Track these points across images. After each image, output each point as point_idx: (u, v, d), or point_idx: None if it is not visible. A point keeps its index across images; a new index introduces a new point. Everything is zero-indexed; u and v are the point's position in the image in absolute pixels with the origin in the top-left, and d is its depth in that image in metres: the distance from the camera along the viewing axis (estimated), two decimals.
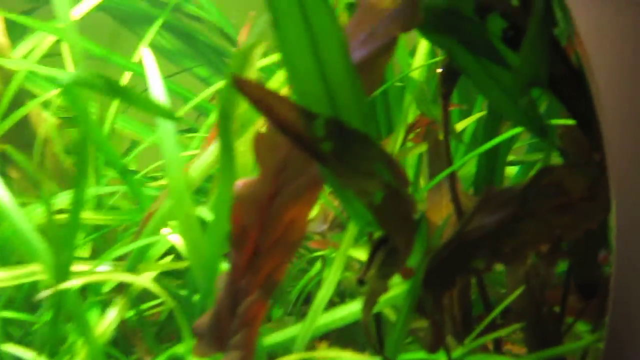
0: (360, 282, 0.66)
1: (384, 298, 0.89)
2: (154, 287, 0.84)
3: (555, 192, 0.58)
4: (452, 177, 0.93)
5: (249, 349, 0.66)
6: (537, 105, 0.60)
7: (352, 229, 0.77)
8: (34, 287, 1.13)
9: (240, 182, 0.64)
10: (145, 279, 0.97)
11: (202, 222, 0.81)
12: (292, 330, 0.84)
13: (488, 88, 0.61)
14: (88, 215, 1.16)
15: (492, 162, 1.17)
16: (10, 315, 0.97)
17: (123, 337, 1.26)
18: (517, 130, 0.99)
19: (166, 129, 0.81)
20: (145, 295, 1.22)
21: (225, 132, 0.64)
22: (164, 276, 1.28)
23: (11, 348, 0.87)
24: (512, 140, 1.16)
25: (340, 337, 1.22)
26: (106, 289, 1.04)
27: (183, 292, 1.07)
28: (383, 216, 0.52)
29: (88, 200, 1.29)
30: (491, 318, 0.82)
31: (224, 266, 0.81)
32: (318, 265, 1.24)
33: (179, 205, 0.79)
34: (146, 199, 1.08)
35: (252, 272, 0.64)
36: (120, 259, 1.00)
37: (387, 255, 0.61)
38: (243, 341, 0.66)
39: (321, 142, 0.49)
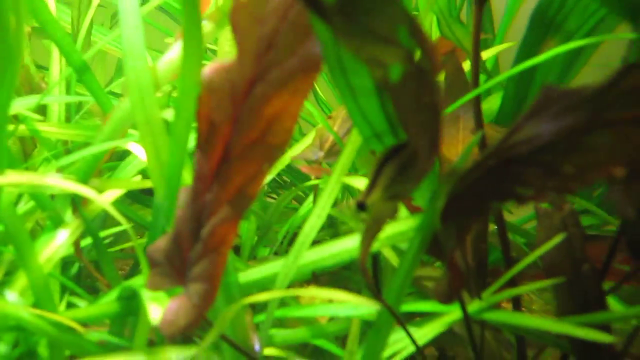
0: (360, 206, 0.51)
1: (383, 235, 0.74)
2: (110, 209, 0.69)
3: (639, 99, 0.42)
4: (477, 103, 0.77)
5: (214, 281, 0.51)
6: None
7: (350, 148, 0.62)
8: None
9: (210, 66, 0.48)
10: (102, 198, 0.82)
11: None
12: (272, 267, 0.69)
13: None
14: (47, 128, 1.01)
15: (522, 94, 1.01)
16: None
17: (85, 268, 1.13)
18: (557, 50, 0.82)
19: (126, 7, 0.64)
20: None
21: None
22: (133, 201, 1.14)
23: None
24: (550, 69, 0.99)
25: (331, 282, 1.08)
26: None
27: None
28: (401, 100, 0.36)
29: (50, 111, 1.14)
30: (517, 270, 0.68)
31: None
32: (311, 199, 1.10)
33: (140, 105, 0.63)
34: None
35: (220, 182, 0.49)
36: None
37: (398, 171, 0.46)
38: (207, 271, 0.51)
39: None
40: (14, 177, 0.62)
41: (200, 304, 0.52)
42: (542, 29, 0.92)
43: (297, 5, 0.45)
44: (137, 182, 0.81)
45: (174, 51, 0.70)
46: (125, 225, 0.63)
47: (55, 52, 1.18)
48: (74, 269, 1.09)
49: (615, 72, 0.42)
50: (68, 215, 0.84)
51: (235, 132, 0.47)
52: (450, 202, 0.47)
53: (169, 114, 0.65)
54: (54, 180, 0.64)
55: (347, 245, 0.67)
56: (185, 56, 0.51)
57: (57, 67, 1.22)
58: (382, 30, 0.33)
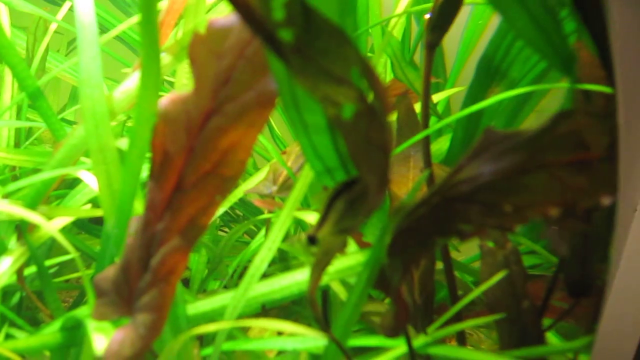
0: (311, 239, 0.52)
1: (332, 269, 0.75)
2: (59, 236, 0.68)
3: (573, 144, 0.45)
4: (427, 143, 0.80)
5: (162, 311, 0.51)
6: (563, 32, 0.47)
7: (302, 182, 0.63)
8: None
9: (167, 97, 0.49)
10: (50, 225, 0.81)
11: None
12: (221, 300, 0.69)
13: (512, 11, 0.48)
14: None
15: (469, 136, 1.05)
16: None
17: (27, 299, 1.09)
18: (501, 96, 0.87)
19: (85, 38, 0.65)
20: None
21: (149, 21, 0.48)
22: (81, 230, 1.12)
23: None
24: (496, 114, 1.04)
25: (280, 316, 1.08)
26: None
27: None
28: (352, 138, 0.38)
29: None
30: (460, 306, 0.70)
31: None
32: (262, 233, 1.10)
33: (94, 133, 0.63)
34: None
35: (172, 212, 0.49)
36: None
37: (348, 206, 0.47)
38: (155, 301, 0.51)
39: (280, 27, 0.35)
40: None
41: (146, 334, 0.51)
42: (488, 76, 0.97)
43: (254, 43, 0.46)
44: (86, 211, 0.80)
45: (131, 81, 0.70)
46: (72, 254, 0.62)
47: (8, 77, 1.17)
48: (15, 299, 1.06)
49: (549, 118, 0.45)
50: (12, 242, 0.82)
51: (189, 163, 0.48)
52: (397, 237, 0.49)
53: (122, 143, 0.65)
54: (1, 205, 0.63)
55: (297, 279, 0.68)
56: (143, 86, 0.52)
57: (8, 92, 1.21)
58: (336, 71, 0.35)
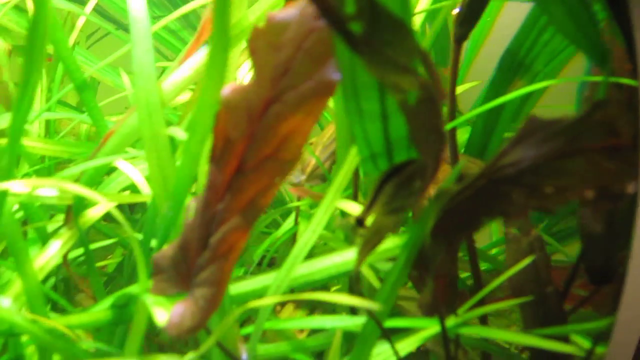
0: (359, 222, 0.56)
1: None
2: (116, 213, 0.71)
3: (607, 131, 0.48)
4: (453, 135, 0.84)
5: (221, 286, 0.55)
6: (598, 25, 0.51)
7: (347, 168, 0.67)
8: None
9: (229, 87, 0.53)
10: (97, 210, 0.85)
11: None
12: (262, 281, 0.73)
13: (551, 5, 0.51)
14: (35, 143, 1.03)
15: (490, 129, 1.08)
16: None
17: (65, 280, 1.13)
18: (527, 89, 0.90)
19: (139, 32, 0.69)
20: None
21: (222, 14, 0.52)
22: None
23: None
24: (519, 108, 1.07)
25: (307, 301, 1.12)
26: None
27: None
28: (415, 122, 0.42)
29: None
30: (489, 289, 0.74)
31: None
32: (287, 223, 1.14)
33: (147, 121, 0.66)
34: (105, 130, 0.94)
35: (233, 193, 0.53)
36: None
37: (397, 189, 0.51)
38: (214, 276, 0.55)
39: (351, 20, 0.39)
40: (21, 184, 0.65)
41: (206, 307, 0.55)
42: (511, 70, 1.00)
43: (312, 36, 0.50)
44: (130, 197, 0.84)
45: (178, 74, 0.74)
46: (130, 234, 0.66)
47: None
48: (49, 283, 1.10)
49: (586, 107, 0.49)
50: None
51: (250, 148, 0.52)
52: (442, 219, 0.53)
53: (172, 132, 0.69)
54: (71, 186, 0.67)
55: (336, 261, 0.71)
56: (208, 76, 0.56)
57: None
58: (401, 60, 0.39)
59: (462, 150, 1.20)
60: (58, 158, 1.13)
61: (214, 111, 0.52)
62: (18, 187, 0.70)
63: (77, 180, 0.81)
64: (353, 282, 0.56)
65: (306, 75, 0.50)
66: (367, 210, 0.54)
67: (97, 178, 0.76)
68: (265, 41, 0.52)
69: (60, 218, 0.92)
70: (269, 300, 0.66)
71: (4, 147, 0.67)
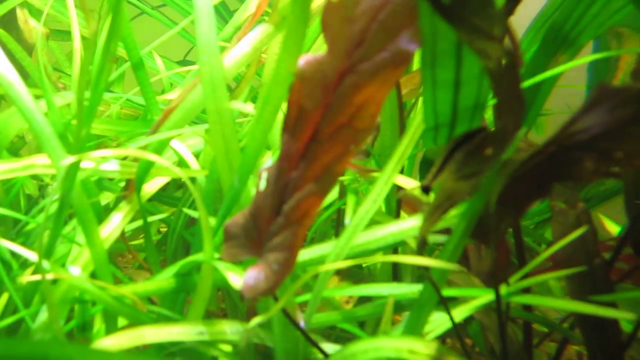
0: (426, 189, 0.58)
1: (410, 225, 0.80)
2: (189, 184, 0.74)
3: None
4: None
5: (294, 250, 0.57)
6: None
7: (409, 139, 0.68)
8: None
9: (303, 59, 0.55)
10: (153, 184, 0.88)
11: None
12: (321, 249, 0.75)
13: None
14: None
15: (530, 100, 1.09)
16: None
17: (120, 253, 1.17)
18: (572, 64, 0.91)
19: (202, 9, 0.71)
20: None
21: None
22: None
23: (10, 244, 0.77)
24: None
25: (350, 274, 1.14)
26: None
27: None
28: (499, 87, 0.43)
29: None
30: (540, 260, 0.75)
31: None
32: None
33: (212, 95, 0.69)
34: (156, 109, 0.97)
35: (307, 161, 0.55)
36: None
37: (467, 156, 0.53)
38: (288, 241, 0.57)
39: None
40: (94, 156, 0.67)
41: (279, 270, 0.58)
42: (554, 44, 1.01)
43: (386, 8, 0.52)
44: (189, 171, 0.87)
45: (237, 50, 0.76)
46: (197, 201, 0.68)
47: (77, 54, 1.23)
48: None
49: None
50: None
51: (325, 117, 0.54)
52: (510, 185, 0.54)
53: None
54: (151, 156, 0.69)
55: (392, 230, 0.74)
56: (284, 49, 0.58)
57: (77, 68, 1.27)
58: (486, 28, 0.41)
59: None
60: (102, 136, 1.17)
61: (289, 83, 0.54)
62: (87, 162, 0.73)
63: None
64: (420, 248, 0.58)
65: (381, 46, 0.52)
66: (434, 177, 0.55)
67: (161, 152, 0.79)
68: (338, 14, 0.54)
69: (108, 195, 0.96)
70: (333, 266, 0.68)
71: (77, 124, 0.70)
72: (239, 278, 0.64)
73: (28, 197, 1.10)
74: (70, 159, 0.69)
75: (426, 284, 0.70)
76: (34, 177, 1.13)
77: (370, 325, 0.98)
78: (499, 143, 0.48)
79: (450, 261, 0.67)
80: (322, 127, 0.54)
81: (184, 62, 1.64)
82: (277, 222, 0.58)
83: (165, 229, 1.32)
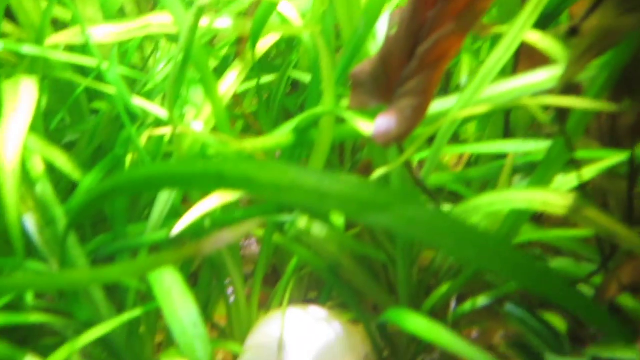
0: (573, 30, 0.54)
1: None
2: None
3: None
4: None
5: (427, 95, 0.55)
6: None
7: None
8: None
9: None
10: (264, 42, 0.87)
11: None
12: (442, 104, 0.73)
13: None
14: None
15: None
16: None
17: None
18: None
19: None
20: None
21: None
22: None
23: (140, 101, 0.79)
24: None
25: None
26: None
27: None
28: None
29: None
30: None
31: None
32: None
33: None
34: None
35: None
36: None
37: None
38: (421, 86, 0.55)
39: None
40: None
41: (412, 116, 0.56)
42: None
43: None
44: (298, 28, 0.85)
45: None
46: None
47: None
48: None
49: None
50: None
51: None
52: None
53: None
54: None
55: (529, 81, 0.70)
56: None
57: None
58: None
59: None
60: None
61: None
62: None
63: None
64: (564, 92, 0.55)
65: None
66: (588, 14, 0.51)
67: (269, 15, 0.77)
68: None
69: None
70: (461, 114, 0.66)
71: None
72: (368, 126, 0.63)
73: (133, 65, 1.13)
74: (192, 12, 0.69)
75: (556, 140, 0.67)
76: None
77: (475, 189, 0.97)
78: None
79: (582, 118, 0.63)
80: None
81: None
82: (410, 66, 0.56)
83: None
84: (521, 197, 0.61)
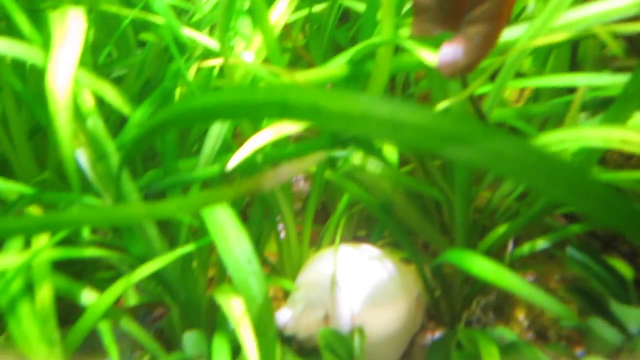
0: None
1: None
2: None
3: None
4: None
5: (500, 21, 0.51)
6: None
7: None
8: None
9: None
10: None
11: None
12: (510, 34, 0.68)
13: None
14: None
15: None
16: None
17: None
18: None
19: None
20: None
21: None
22: None
23: (190, 32, 0.76)
24: None
25: None
26: None
27: None
28: None
29: None
30: None
31: None
32: None
33: None
34: None
35: None
36: None
37: None
38: (493, 11, 0.51)
39: None
40: None
41: (482, 44, 0.52)
42: None
43: None
44: None
45: None
46: None
47: None
48: None
49: None
50: None
51: None
52: None
53: None
54: None
55: (596, 10, 0.64)
56: None
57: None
58: None
59: None
60: None
61: None
62: None
63: None
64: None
65: None
66: None
67: None
68: None
69: None
70: (531, 43, 0.61)
71: None
72: (432, 55, 0.59)
73: None
74: None
75: (636, 72, 0.62)
76: None
77: (535, 126, 0.92)
78: None
79: None
80: None
81: None
82: None
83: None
84: (596, 134, 0.57)
